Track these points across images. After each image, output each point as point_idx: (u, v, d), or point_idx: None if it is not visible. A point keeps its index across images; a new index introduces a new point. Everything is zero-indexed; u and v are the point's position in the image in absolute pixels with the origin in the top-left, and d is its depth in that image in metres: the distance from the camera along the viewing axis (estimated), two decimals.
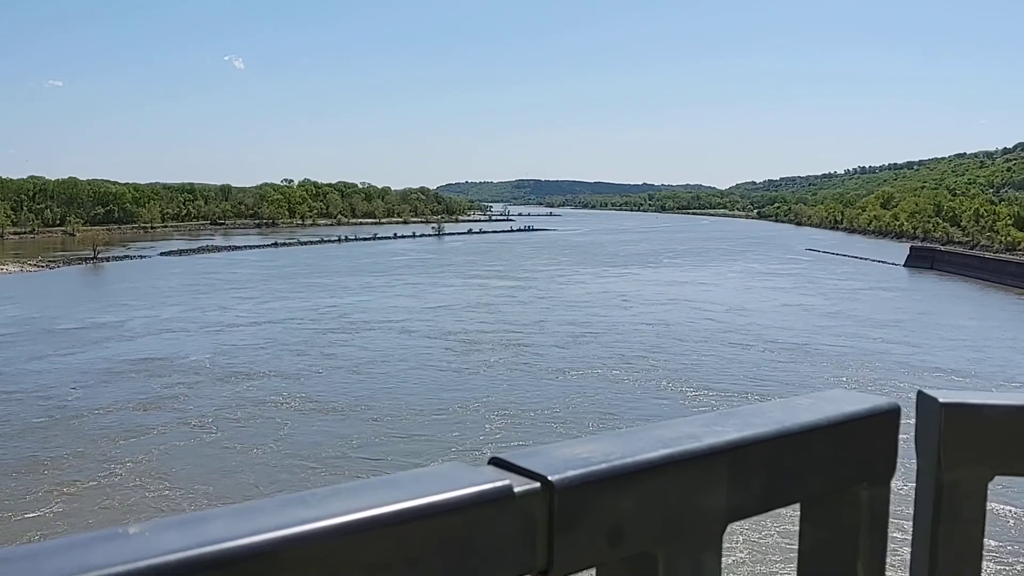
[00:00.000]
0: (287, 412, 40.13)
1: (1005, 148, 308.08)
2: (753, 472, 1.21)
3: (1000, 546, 25.15)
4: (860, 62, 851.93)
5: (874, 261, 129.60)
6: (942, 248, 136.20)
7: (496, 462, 1.02)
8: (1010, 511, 27.23)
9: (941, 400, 1.49)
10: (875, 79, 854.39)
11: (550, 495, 0.97)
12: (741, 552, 24.57)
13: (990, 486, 1.53)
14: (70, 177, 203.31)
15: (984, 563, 1.54)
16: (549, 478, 0.97)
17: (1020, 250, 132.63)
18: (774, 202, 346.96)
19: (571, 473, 0.99)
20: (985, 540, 1.56)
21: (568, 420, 38.93)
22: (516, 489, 0.95)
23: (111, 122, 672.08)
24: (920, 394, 1.54)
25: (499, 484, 0.94)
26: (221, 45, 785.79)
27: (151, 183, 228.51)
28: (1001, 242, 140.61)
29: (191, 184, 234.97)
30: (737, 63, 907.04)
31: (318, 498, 0.86)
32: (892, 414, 1.39)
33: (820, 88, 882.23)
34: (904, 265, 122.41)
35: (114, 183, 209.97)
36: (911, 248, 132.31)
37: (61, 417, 38.52)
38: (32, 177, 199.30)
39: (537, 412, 40.23)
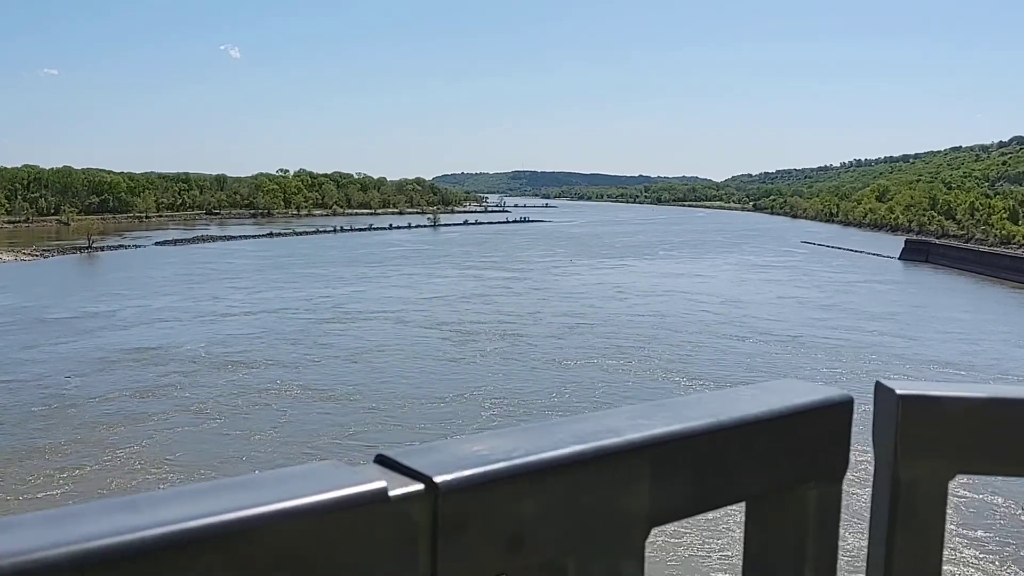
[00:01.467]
0: (284, 400, 40.25)
1: (1001, 142, 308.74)
2: (683, 470, 1.11)
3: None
4: (856, 55, 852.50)
5: (869, 254, 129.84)
6: (937, 241, 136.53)
7: (381, 460, 0.94)
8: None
9: (898, 391, 1.39)
10: (871, 72, 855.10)
11: (434, 498, 0.88)
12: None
13: (951, 485, 1.42)
14: (65, 166, 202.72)
15: (945, 566, 1.44)
16: (434, 479, 0.89)
17: (1015, 243, 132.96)
18: (770, 195, 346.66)
19: (461, 473, 0.91)
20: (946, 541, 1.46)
21: (563, 407, 39.14)
22: (394, 492, 0.86)
23: (106, 111, 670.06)
24: (878, 385, 1.45)
25: (371, 487, 0.85)
26: (217, 34, 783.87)
27: (146, 172, 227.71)
28: (996, 235, 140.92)
29: (186, 174, 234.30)
30: (734, 55, 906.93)
31: (153, 501, 0.75)
32: (844, 406, 1.29)
33: (816, 80, 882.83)
34: (899, 258, 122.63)
35: (109, 172, 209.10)
36: (906, 241, 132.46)
37: (59, 405, 38.56)
38: (27, 166, 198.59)
39: (532, 400, 40.43)
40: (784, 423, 1.22)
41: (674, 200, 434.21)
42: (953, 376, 47.36)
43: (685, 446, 1.10)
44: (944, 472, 1.41)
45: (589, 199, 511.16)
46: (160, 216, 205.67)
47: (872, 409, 1.45)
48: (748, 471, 1.20)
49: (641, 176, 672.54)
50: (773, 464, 1.23)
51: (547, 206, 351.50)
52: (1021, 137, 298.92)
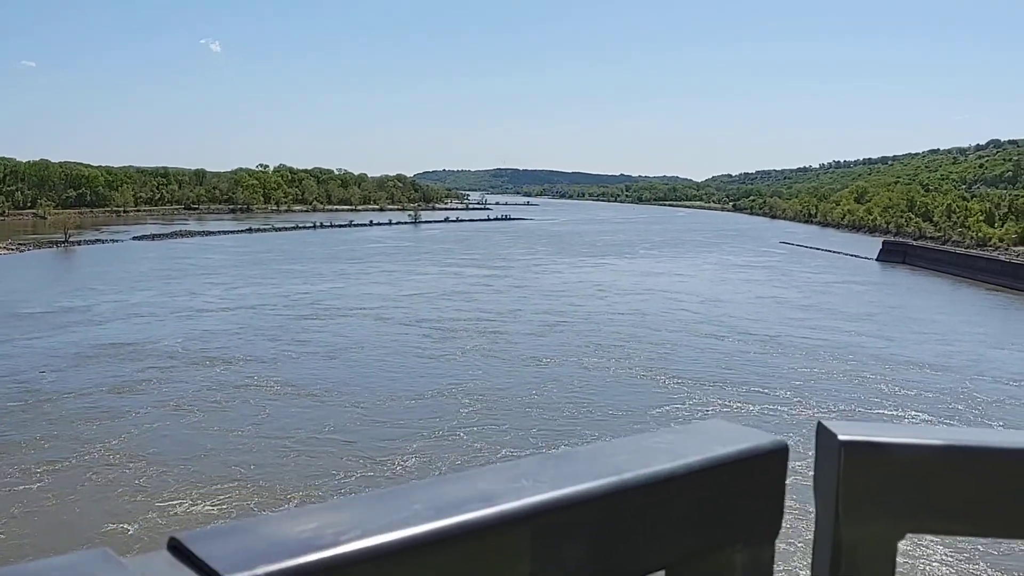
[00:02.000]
0: (263, 397, 40.07)
1: (978, 145, 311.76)
2: (576, 541, 0.92)
3: None
4: (836, 57, 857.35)
5: (847, 255, 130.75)
6: (914, 243, 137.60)
7: (174, 546, 0.73)
8: None
9: (841, 436, 1.16)
10: (851, 74, 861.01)
11: None
12: None
13: (901, 545, 1.20)
14: (41, 159, 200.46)
15: None
16: None
17: (991, 246, 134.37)
18: (749, 195, 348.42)
19: (265, 568, 0.69)
20: None
21: (542, 405, 39.28)
22: None
23: (85, 104, 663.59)
24: (819, 427, 1.21)
25: None
26: (198, 28, 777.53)
27: (124, 166, 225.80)
28: (972, 238, 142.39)
29: (165, 168, 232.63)
30: (715, 55, 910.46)
31: None
32: (778, 455, 1.10)
33: (797, 82, 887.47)
34: (876, 259, 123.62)
35: (86, 166, 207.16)
36: (883, 243, 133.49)
37: (35, 401, 38.26)
38: (2, 159, 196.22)
39: (511, 398, 40.47)
40: (706, 477, 1.04)
41: (655, 199, 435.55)
42: (929, 376, 47.80)
43: (579, 512, 0.91)
44: (892, 532, 1.19)
45: (571, 198, 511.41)
46: (138, 210, 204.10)
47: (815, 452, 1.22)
48: (663, 535, 1.01)
49: (622, 175, 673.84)
50: (694, 525, 1.04)
51: (529, 204, 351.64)
52: (998, 140, 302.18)
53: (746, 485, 1.08)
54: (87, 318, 60.01)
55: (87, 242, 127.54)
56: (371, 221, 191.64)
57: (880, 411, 40.07)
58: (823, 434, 1.19)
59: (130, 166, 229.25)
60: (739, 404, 40.39)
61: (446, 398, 40.31)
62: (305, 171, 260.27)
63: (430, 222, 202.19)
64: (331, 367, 46.56)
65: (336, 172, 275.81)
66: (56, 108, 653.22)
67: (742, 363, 49.87)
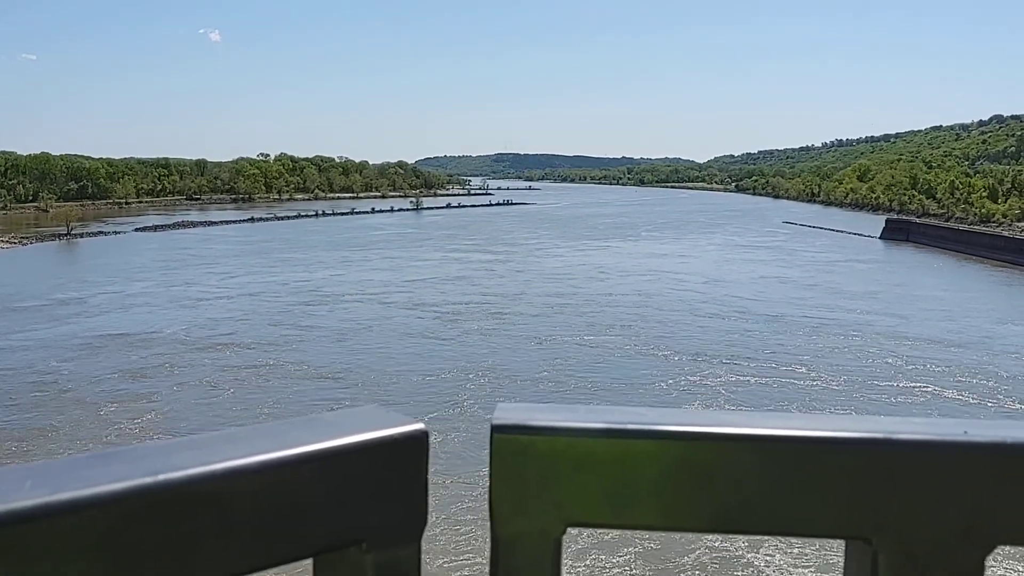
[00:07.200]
0: (280, 378, 40.69)
1: (981, 120, 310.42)
2: (147, 537, 0.78)
3: None
4: (838, 34, 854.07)
5: (850, 234, 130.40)
6: (918, 220, 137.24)
7: None
8: None
9: (494, 420, 1.01)
10: (852, 51, 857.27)
11: None
12: None
13: (566, 540, 1.03)
14: (42, 152, 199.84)
15: None
16: None
17: (994, 222, 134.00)
18: (752, 175, 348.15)
19: None
20: None
21: (550, 380, 39.95)
22: None
23: (85, 96, 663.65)
24: (496, 409, 1.04)
25: None
26: (197, 18, 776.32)
27: (125, 158, 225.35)
28: (976, 214, 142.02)
29: (166, 159, 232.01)
30: (716, 35, 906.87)
31: None
32: (416, 443, 0.97)
33: (798, 61, 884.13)
34: (880, 238, 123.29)
35: (87, 158, 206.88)
36: (887, 221, 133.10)
37: (56, 390, 38.64)
38: (3, 152, 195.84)
39: (519, 375, 41.11)
40: (327, 465, 0.90)
41: (657, 182, 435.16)
42: (938, 352, 47.67)
43: (138, 501, 0.77)
44: (552, 525, 1.02)
45: (572, 181, 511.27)
46: (140, 202, 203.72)
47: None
48: (258, 538, 0.86)
49: (624, 158, 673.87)
50: (318, 519, 0.90)
51: (530, 189, 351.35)
52: (1001, 116, 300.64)
53: (376, 476, 0.94)
54: (96, 309, 60.06)
55: (90, 234, 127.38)
56: (373, 208, 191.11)
57: (889, 383, 40.11)
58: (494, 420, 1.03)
59: (131, 157, 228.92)
60: (746, 377, 40.51)
61: (456, 375, 40.84)
62: (306, 159, 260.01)
63: (432, 208, 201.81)
64: (342, 350, 46.81)
65: (337, 160, 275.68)
66: (57, 101, 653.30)
67: (748, 340, 49.84)
